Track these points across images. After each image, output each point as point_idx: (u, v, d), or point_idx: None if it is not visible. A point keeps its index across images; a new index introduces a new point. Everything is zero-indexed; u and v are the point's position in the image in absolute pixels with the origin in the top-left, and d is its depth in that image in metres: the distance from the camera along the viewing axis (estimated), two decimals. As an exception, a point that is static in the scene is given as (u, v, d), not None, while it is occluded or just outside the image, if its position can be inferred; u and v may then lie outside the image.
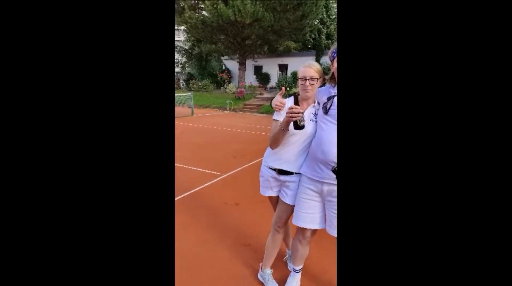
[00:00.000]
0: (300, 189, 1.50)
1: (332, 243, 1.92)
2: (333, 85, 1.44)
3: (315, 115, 1.48)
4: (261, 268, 1.79)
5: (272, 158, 1.57)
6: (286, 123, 1.36)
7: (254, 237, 2.29)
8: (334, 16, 18.85)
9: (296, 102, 1.41)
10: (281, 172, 1.54)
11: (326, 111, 1.38)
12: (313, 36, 17.97)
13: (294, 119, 1.28)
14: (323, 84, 1.54)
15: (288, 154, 1.51)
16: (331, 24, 18.39)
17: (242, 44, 15.78)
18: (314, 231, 1.55)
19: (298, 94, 1.45)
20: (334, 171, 1.26)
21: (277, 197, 1.64)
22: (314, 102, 1.51)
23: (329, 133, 1.34)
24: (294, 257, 1.66)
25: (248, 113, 13.12)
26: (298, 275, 1.71)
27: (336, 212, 1.37)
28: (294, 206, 1.56)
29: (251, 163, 4.51)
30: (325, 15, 17.90)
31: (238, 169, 4.17)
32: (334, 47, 1.39)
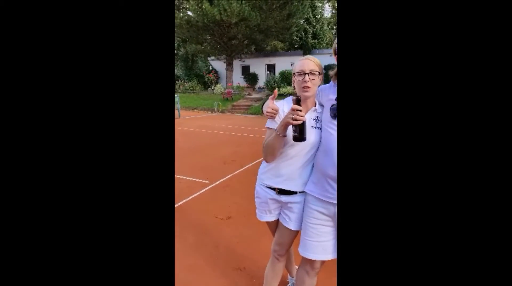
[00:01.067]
0: (306, 212, 1.23)
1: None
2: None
3: (317, 120, 1.22)
4: (260, 301, 1.51)
5: (269, 175, 1.28)
6: (284, 127, 1.08)
7: (249, 258, 2.01)
8: (319, 16, 18.89)
9: (298, 104, 1.13)
10: (282, 191, 1.26)
11: (334, 115, 1.11)
12: (299, 35, 17.92)
13: (296, 122, 1.01)
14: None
15: (288, 170, 1.23)
16: (316, 24, 18.40)
17: (228, 44, 15.49)
18: (324, 260, 1.28)
19: (298, 96, 1.17)
20: None
21: (277, 221, 1.36)
22: (315, 105, 1.24)
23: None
24: (299, 289, 1.38)
25: (237, 114, 12.80)
26: (304, 309, 1.44)
27: None
28: (298, 231, 1.29)
29: (243, 168, 4.22)
30: (311, 15, 17.88)
31: (229, 176, 3.87)
32: None
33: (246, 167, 4.30)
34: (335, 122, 1.11)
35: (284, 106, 1.23)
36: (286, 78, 14.57)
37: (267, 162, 1.24)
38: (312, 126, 1.20)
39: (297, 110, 1.02)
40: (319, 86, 1.24)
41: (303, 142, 1.18)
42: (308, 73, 1.15)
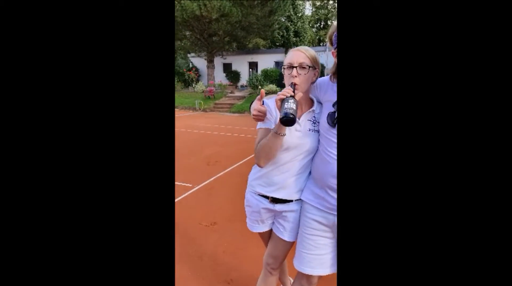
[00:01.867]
0: (303, 222, 1.10)
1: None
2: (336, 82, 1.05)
3: (315, 122, 1.09)
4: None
5: (261, 182, 1.14)
6: (280, 125, 0.94)
7: (237, 268, 1.88)
8: (300, 14, 18.97)
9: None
10: (276, 200, 1.13)
11: (333, 124, 0.98)
12: (281, 33, 17.88)
13: (283, 96, 0.91)
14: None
15: (282, 177, 1.10)
16: (298, 21, 18.44)
17: (209, 40, 15.15)
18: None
19: (294, 83, 1.02)
20: None
21: (270, 231, 1.23)
22: (312, 104, 1.11)
23: None
24: (294, 305, 1.26)
25: (219, 113, 12.55)
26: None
27: None
28: (293, 242, 1.17)
29: (227, 170, 4.06)
30: (292, 12, 17.89)
31: (213, 178, 3.70)
32: (335, 26, 0.97)
33: (231, 168, 4.14)
34: (335, 130, 0.98)
35: (269, 105, 1.09)
36: (269, 76, 14.47)
37: (260, 166, 1.08)
38: (309, 129, 1.07)
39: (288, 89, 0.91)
40: (314, 82, 1.11)
41: (299, 146, 1.06)
42: (296, 67, 1.01)
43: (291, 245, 1.18)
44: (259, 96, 1.06)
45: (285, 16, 17.08)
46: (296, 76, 1.00)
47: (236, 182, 3.47)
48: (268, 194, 1.12)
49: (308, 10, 23.36)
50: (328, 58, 14.74)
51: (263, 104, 1.07)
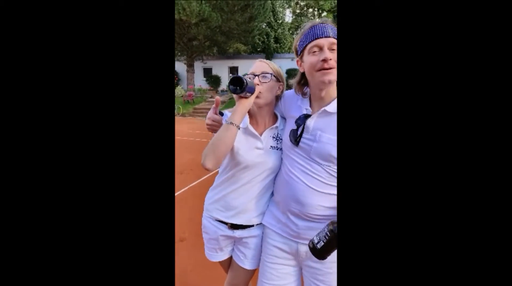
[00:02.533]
0: (265, 249, 1.01)
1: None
2: (302, 95, 0.98)
3: (278, 139, 1.01)
4: None
5: (219, 207, 1.04)
6: (240, 110, 0.88)
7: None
8: (281, 21, 19.24)
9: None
10: (235, 226, 1.02)
11: (296, 141, 0.91)
12: (262, 39, 18.02)
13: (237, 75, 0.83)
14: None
15: (242, 200, 1.00)
16: (278, 28, 18.68)
17: (189, 45, 14.95)
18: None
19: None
20: (312, 249, 0.76)
21: (230, 258, 1.12)
22: (276, 120, 1.03)
23: (305, 176, 0.88)
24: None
25: (198, 118, 12.30)
26: None
27: (321, 284, 0.91)
28: (255, 270, 1.07)
29: (200, 179, 3.92)
30: (272, 19, 18.10)
31: (185, 188, 3.54)
32: (302, 31, 0.90)
33: (205, 177, 3.99)
34: (299, 151, 0.90)
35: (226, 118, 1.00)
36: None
37: (206, 167, 0.89)
38: (272, 146, 0.99)
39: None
40: (279, 96, 1.04)
41: (260, 165, 0.97)
42: (258, 75, 0.95)
43: (252, 273, 1.09)
44: (214, 104, 0.98)
45: (265, 23, 17.25)
46: (258, 84, 0.93)
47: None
48: (226, 220, 1.02)
49: (288, 17, 23.77)
50: (307, 65, 15.01)
51: (222, 115, 0.99)
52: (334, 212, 0.85)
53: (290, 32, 22.06)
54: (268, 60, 1.03)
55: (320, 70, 0.83)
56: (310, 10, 24.29)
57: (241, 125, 0.96)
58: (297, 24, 23.78)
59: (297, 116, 0.93)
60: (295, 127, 0.92)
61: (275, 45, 18.43)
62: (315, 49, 0.84)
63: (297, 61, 0.94)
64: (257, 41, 17.67)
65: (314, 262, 0.92)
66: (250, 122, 1.01)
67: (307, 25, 0.89)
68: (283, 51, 18.94)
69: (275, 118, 1.05)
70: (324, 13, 22.82)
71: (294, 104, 0.99)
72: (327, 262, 0.89)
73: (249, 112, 1.02)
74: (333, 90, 0.89)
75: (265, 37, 17.99)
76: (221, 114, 1.01)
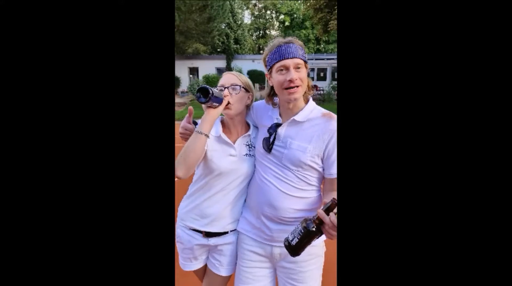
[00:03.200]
0: (240, 254, 1.04)
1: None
2: (272, 105, 1.03)
3: (251, 147, 1.05)
4: None
5: (193, 216, 1.04)
6: (208, 118, 0.92)
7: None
8: (240, 22, 19.35)
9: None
10: (210, 234, 1.04)
11: (268, 149, 0.95)
12: (221, 40, 17.93)
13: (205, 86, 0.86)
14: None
15: (216, 208, 1.02)
16: (238, 29, 18.76)
17: (145, 44, 14.32)
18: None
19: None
20: (288, 246, 0.81)
21: (205, 267, 1.13)
22: (248, 128, 1.07)
23: (277, 181, 0.93)
24: None
25: (158, 120, 11.81)
26: None
27: (295, 283, 0.97)
28: (230, 276, 1.10)
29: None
30: (231, 20, 18.12)
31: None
32: (270, 47, 0.95)
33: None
34: (271, 158, 0.95)
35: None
36: (211, 82, 14.31)
37: (178, 176, 0.89)
38: (245, 154, 1.03)
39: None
40: (249, 105, 1.08)
41: (233, 171, 1.00)
42: (227, 87, 0.98)
43: (227, 279, 1.11)
44: (188, 114, 0.99)
45: (225, 23, 17.20)
46: (227, 95, 0.96)
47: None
48: (201, 228, 1.03)
49: (247, 18, 23.99)
50: (267, 66, 15.30)
51: (196, 124, 1.00)
52: (304, 214, 0.92)
53: (250, 33, 22.30)
54: (237, 73, 1.07)
55: (286, 88, 0.89)
56: (268, 12, 24.81)
57: (214, 134, 0.99)
58: (256, 25, 24.12)
59: (269, 125, 0.99)
60: (267, 136, 0.97)
61: (235, 46, 18.48)
62: (282, 68, 0.90)
63: (267, 75, 0.99)
64: (217, 41, 17.54)
65: (287, 263, 0.97)
66: (224, 131, 1.03)
67: (274, 42, 0.94)
68: (244, 52, 19.09)
69: (247, 126, 1.09)
70: (282, 16, 23.50)
71: (265, 114, 1.04)
72: (299, 261, 0.95)
73: (222, 122, 1.06)
74: (300, 102, 0.95)
75: (224, 37, 17.94)
76: (195, 123, 1.02)
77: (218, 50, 18.54)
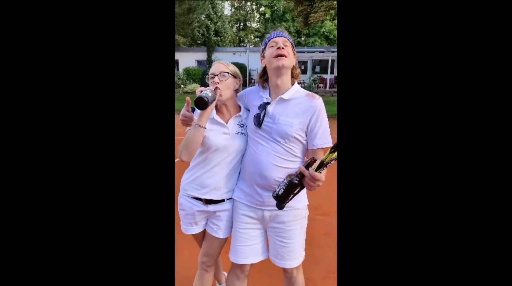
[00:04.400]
0: (235, 218, 1.21)
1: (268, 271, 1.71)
2: (262, 87, 1.20)
3: (242, 126, 1.22)
4: (190, 318, 1.43)
5: (194, 186, 1.20)
6: (200, 117, 1.06)
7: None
8: (220, 13, 19.12)
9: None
10: (209, 201, 1.20)
11: (259, 124, 1.12)
12: (201, 31, 17.67)
13: (200, 89, 1.03)
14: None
15: (214, 180, 1.19)
16: (218, 21, 18.55)
17: (122, 35, 13.82)
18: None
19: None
20: (276, 197, 0.99)
21: (203, 232, 1.30)
22: (239, 110, 1.24)
23: (267, 154, 1.10)
24: (231, 295, 1.37)
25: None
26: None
27: (283, 240, 1.16)
28: (227, 238, 1.27)
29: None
30: (211, 11, 17.87)
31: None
32: (266, 37, 1.17)
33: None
34: (261, 132, 1.12)
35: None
36: (192, 75, 14.16)
37: (182, 160, 1.11)
38: (237, 132, 1.19)
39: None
40: (238, 89, 1.24)
41: (228, 147, 1.16)
42: (217, 75, 1.15)
43: (224, 242, 1.28)
44: (185, 103, 1.14)
45: (204, 15, 16.94)
46: (218, 83, 1.12)
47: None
48: (201, 196, 1.19)
49: (227, 10, 23.74)
50: (249, 58, 15.33)
51: (194, 110, 1.15)
52: None
53: (230, 25, 22.10)
54: (226, 62, 1.23)
55: (276, 57, 1.08)
56: (248, 3, 24.67)
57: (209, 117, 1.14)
58: (236, 17, 23.93)
59: (259, 104, 1.15)
60: (258, 112, 1.14)
61: (215, 38, 18.30)
62: (273, 43, 1.12)
63: (261, 57, 1.18)
64: (197, 33, 17.28)
65: (276, 223, 1.16)
66: (217, 113, 1.19)
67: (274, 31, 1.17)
68: (224, 44, 18.94)
69: (238, 108, 1.25)
70: (262, 8, 23.45)
71: (256, 95, 1.21)
72: (286, 222, 1.14)
73: (216, 106, 1.21)
74: (287, 82, 1.13)
75: (205, 29, 17.69)
76: (193, 110, 1.16)
77: (198, 42, 18.27)
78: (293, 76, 1.15)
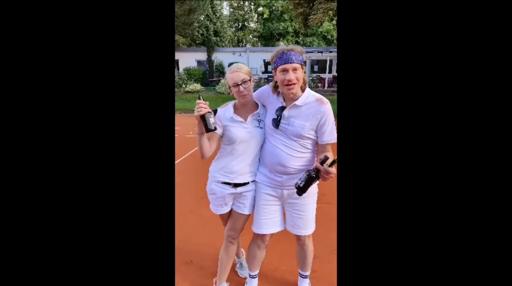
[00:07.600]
0: (258, 196, 1.49)
1: (282, 240, 1.98)
2: (277, 95, 1.41)
3: (260, 120, 1.46)
4: (216, 284, 1.70)
5: (223, 173, 1.46)
6: (199, 125, 1.26)
7: (194, 251, 2.14)
8: (219, 14, 19.29)
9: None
10: (237, 185, 1.48)
11: (276, 126, 1.36)
12: (201, 32, 17.84)
13: (201, 112, 1.20)
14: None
15: (240, 166, 1.45)
16: (217, 21, 18.72)
17: (123, 35, 13.93)
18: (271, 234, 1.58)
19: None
20: (298, 188, 1.23)
21: (230, 212, 1.57)
22: (256, 108, 1.48)
23: (285, 148, 1.35)
24: (251, 263, 1.64)
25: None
26: (255, 281, 1.71)
27: (299, 212, 1.43)
28: (250, 214, 1.54)
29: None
30: (210, 12, 18.03)
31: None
32: (277, 51, 1.29)
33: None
34: (279, 132, 1.35)
35: (225, 112, 1.41)
36: (192, 75, 14.36)
37: (202, 158, 1.36)
38: (255, 126, 1.44)
39: (201, 103, 1.20)
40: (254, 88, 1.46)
41: (250, 140, 1.42)
42: (241, 84, 1.33)
43: (248, 218, 1.55)
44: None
45: (204, 15, 17.10)
46: (244, 89, 1.34)
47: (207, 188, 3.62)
48: (231, 181, 1.46)
49: (226, 10, 23.88)
50: (249, 58, 15.56)
51: (215, 112, 1.39)
52: (304, 167, 1.36)
53: (229, 25, 22.24)
54: (239, 67, 1.35)
55: (285, 85, 1.25)
56: (247, 3, 24.83)
57: (228, 116, 1.39)
58: (235, 17, 24.09)
59: (276, 107, 1.39)
60: (275, 116, 1.38)
61: (214, 38, 18.46)
62: (283, 70, 1.26)
63: (273, 72, 1.36)
64: (197, 33, 17.43)
65: (293, 199, 1.43)
66: (236, 112, 1.41)
67: (279, 49, 1.28)
68: (224, 44, 19.12)
69: (256, 106, 1.48)
70: (260, 8, 23.61)
71: (272, 98, 1.45)
72: (302, 198, 1.40)
73: (234, 106, 1.44)
74: (298, 91, 1.34)
75: (204, 30, 17.84)
76: (215, 112, 1.38)
77: (198, 42, 18.42)
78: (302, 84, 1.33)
